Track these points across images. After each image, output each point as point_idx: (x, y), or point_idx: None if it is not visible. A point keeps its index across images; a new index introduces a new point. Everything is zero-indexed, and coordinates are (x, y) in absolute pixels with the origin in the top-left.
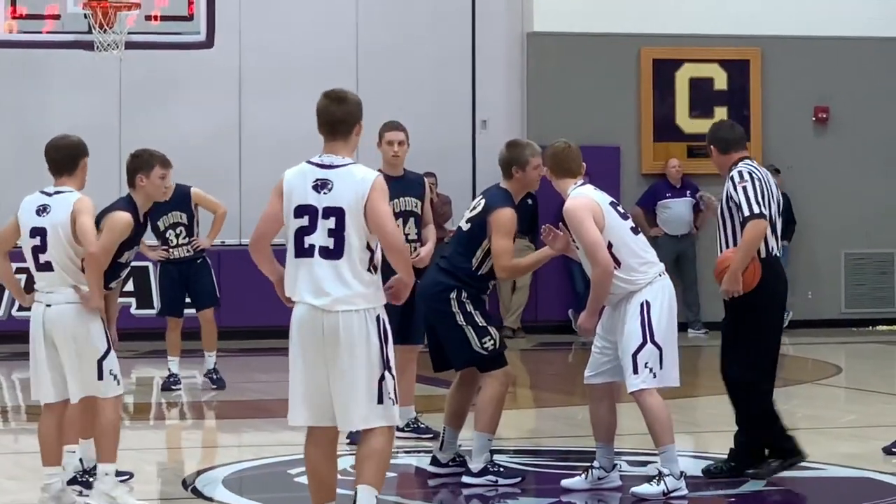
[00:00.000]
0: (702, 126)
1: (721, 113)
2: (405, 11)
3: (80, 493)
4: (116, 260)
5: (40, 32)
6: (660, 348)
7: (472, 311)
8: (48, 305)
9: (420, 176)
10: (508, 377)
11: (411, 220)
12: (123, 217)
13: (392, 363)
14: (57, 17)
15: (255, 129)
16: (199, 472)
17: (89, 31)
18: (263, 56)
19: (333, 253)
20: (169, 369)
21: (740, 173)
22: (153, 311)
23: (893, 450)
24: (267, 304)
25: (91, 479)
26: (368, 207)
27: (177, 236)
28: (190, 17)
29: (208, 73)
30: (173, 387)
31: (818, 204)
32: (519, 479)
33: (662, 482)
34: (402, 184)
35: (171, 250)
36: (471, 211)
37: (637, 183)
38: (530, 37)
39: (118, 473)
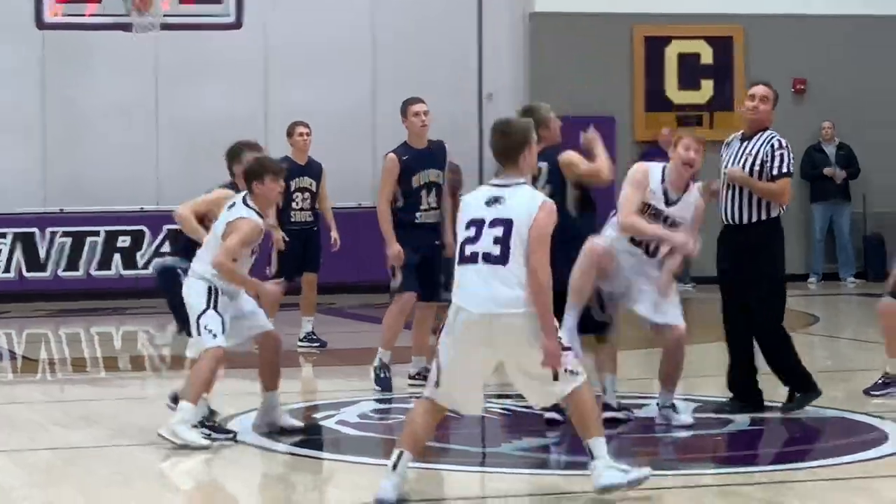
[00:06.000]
0: (689, 97)
1: (707, 85)
2: None
3: (209, 437)
4: None
5: (83, 15)
6: None
7: None
8: None
9: (441, 142)
10: None
11: (433, 190)
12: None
13: (566, 343)
14: (98, 0)
15: (280, 107)
16: (231, 417)
17: (128, 14)
18: (287, 38)
19: (499, 259)
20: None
21: (780, 141)
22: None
23: (873, 392)
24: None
25: (216, 423)
26: (534, 226)
27: (303, 200)
28: (219, 0)
29: (237, 54)
30: (306, 344)
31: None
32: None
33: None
34: (427, 155)
35: (293, 213)
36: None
37: (631, 150)
38: (532, 16)
39: (220, 431)
